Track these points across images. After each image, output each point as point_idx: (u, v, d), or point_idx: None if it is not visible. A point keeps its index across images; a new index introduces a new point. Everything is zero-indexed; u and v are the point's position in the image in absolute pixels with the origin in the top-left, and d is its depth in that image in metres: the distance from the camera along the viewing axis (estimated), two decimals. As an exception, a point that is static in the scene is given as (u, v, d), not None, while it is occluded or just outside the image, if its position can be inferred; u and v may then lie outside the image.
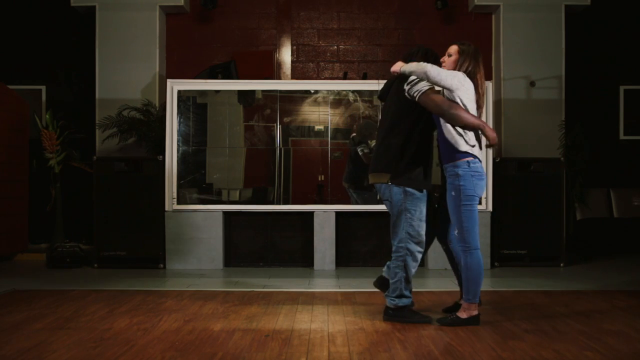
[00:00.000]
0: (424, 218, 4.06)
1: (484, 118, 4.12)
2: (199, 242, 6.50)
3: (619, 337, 3.69)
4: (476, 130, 3.89)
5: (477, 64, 3.95)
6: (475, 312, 3.96)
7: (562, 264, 6.58)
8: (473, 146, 3.90)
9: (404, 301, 4.06)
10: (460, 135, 3.86)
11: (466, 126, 3.84)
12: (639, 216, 7.73)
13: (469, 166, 3.86)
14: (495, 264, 6.55)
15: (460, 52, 3.97)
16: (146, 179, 6.53)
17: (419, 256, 4.08)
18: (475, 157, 3.88)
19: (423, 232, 4.06)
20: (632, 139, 8.20)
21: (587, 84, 8.15)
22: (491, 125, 6.52)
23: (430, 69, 3.82)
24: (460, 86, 3.85)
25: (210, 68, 7.14)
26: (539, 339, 3.63)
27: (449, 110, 3.82)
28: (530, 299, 4.85)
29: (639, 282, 5.67)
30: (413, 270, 4.08)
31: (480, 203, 4.04)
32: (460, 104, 3.85)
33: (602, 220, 7.72)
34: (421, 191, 4.04)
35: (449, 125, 3.88)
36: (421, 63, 3.90)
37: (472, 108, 3.90)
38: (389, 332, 3.82)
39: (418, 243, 4.06)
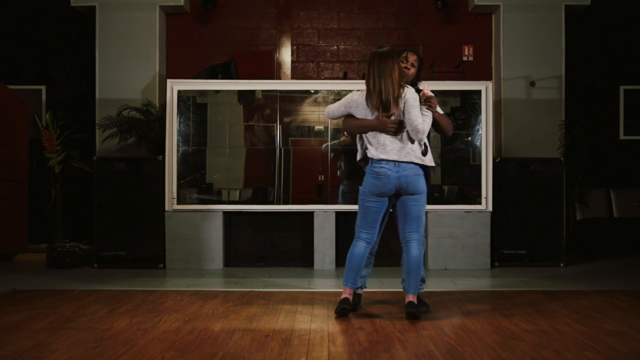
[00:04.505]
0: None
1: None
2: (199, 242, 6.50)
3: (619, 337, 3.69)
4: (373, 131, 4.18)
5: (368, 66, 4.19)
6: (342, 297, 4.23)
7: (562, 264, 6.58)
8: (377, 153, 4.17)
9: None
10: (361, 147, 4.31)
11: (361, 130, 4.24)
12: (639, 216, 7.74)
13: (370, 166, 4.20)
14: (495, 264, 6.55)
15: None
16: (146, 179, 6.53)
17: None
18: (374, 159, 4.16)
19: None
20: (632, 139, 8.20)
21: (587, 84, 8.15)
22: (490, 126, 6.53)
23: (326, 110, 4.45)
24: (348, 106, 4.26)
25: (210, 68, 7.14)
26: (539, 339, 3.63)
27: (345, 126, 4.43)
28: (530, 299, 4.84)
29: (639, 282, 5.67)
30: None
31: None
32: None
33: (602, 220, 7.72)
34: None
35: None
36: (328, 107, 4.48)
37: (367, 115, 4.19)
38: (389, 332, 3.82)
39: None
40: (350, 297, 4.22)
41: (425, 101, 4.20)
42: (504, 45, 7.67)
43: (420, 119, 4.11)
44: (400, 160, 4.12)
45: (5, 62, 8.14)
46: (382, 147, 4.14)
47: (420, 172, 4.18)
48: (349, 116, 4.31)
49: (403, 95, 4.12)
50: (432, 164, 4.24)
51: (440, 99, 6.65)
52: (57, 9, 8.00)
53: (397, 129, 4.12)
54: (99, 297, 4.88)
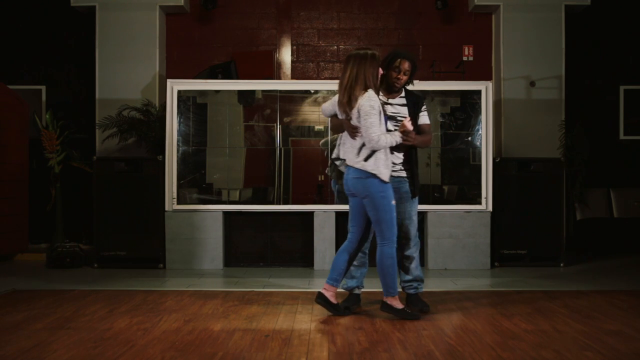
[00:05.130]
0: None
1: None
2: (199, 242, 6.50)
3: (619, 337, 3.69)
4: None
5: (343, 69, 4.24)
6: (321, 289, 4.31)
7: (562, 264, 6.58)
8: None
9: None
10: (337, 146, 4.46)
11: (336, 131, 4.44)
12: (639, 216, 7.73)
13: None
14: (495, 264, 6.54)
15: None
16: (146, 179, 6.53)
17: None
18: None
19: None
20: (632, 139, 8.19)
21: (587, 84, 8.15)
22: (490, 126, 6.54)
23: (321, 108, 4.48)
24: (334, 105, 4.29)
25: (210, 68, 7.14)
26: (539, 339, 3.64)
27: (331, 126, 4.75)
28: (530, 299, 4.85)
29: (639, 282, 5.67)
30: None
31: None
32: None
33: (602, 220, 7.72)
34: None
35: None
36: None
37: (341, 115, 4.21)
38: (389, 332, 3.82)
39: None
40: (329, 294, 4.23)
41: (403, 134, 4.13)
42: (504, 45, 7.67)
43: (375, 128, 3.97)
44: (347, 164, 4.19)
45: (5, 62, 8.14)
46: (342, 150, 4.26)
47: (361, 175, 4.07)
48: (334, 116, 4.34)
49: (356, 102, 4.03)
50: (376, 171, 4.03)
51: (440, 99, 6.70)
52: (57, 9, 7.99)
53: (355, 133, 4.09)
54: (99, 297, 4.88)
